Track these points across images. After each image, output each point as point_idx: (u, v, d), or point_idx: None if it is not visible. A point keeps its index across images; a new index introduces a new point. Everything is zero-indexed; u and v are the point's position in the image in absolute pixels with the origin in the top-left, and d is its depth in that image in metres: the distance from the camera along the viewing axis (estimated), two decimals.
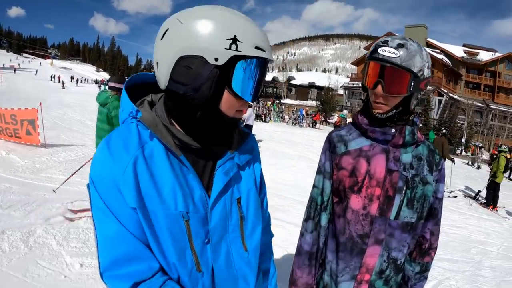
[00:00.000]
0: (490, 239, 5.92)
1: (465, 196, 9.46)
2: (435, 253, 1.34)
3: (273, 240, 1.25)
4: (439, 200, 1.29)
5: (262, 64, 0.83)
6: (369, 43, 47.00)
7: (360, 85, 1.31)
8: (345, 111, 18.20)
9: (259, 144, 13.18)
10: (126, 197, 0.77)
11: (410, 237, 1.23)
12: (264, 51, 0.81)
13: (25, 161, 6.47)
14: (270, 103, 31.48)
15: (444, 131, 10.49)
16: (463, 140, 25.21)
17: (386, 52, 1.11)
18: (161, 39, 0.81)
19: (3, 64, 52.07)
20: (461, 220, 6.89)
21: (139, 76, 0.98)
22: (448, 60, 40.67)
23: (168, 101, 0.86)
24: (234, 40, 0.77)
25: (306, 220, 1.37)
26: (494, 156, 9.22)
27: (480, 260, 4.73)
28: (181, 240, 0.82)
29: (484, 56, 43.92)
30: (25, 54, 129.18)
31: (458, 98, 38.46)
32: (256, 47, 0.79)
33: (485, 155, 21.48)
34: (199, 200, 0.85)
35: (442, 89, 38.27)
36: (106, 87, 5.24)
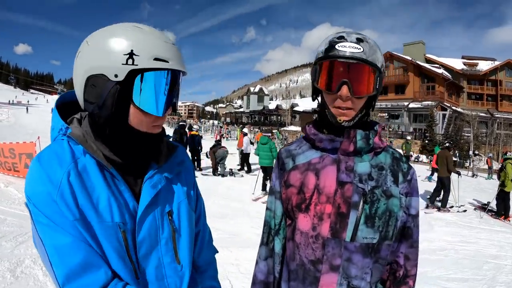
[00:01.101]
0: (504, 252, 5.63)
1: (475, 209, 9.17)
2: (414, 282, 1.12)
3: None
4: (412, 218, 1.10)
5: (166, 76, 0.82)
6: None
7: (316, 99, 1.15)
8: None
9: (257, 171, 13.21)
10: (64, 211, 0.78)
11: (373, 262, 1.03)
12: (167, 61, 0.81)
13: (23, 194, 6.41)
14: (274, 131, 31.74)
15: (447, 144, 10.28)
16: (471, 152, 24.82)
17: (348, 47, 0.97)
18: (75, 61, 0.85)
19: (12, 101, 53.67)
20: (471, 235, 6.61)
21: (71, 93, 0.97)
22: (448, 74, 40.75)
23: (88, 119, 0.89)
24: (131, 54, 0.78)
25: (260, 246, 1.24)
26: (501, 165, 8.98)
27: (493, 276, 4.46)
28: (120, 250, 0.83)
29: (484, 66, 44.00)
30: (32, 90, 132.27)
31: (461, 110, 38.29)
32: (156, 59, 0.80)
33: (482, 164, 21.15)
34: (133, 212, 0.87)
35: (445, 103, 38.18)
36: None
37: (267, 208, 1.23)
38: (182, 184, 1.02)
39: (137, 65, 0.78)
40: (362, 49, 0.96)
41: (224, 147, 11.84)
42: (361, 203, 1.00)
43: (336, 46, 0.98)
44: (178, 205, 0.98)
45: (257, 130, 36.00)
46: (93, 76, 0.80)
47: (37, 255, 3.71)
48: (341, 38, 1.00)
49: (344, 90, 0.97)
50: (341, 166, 1.03)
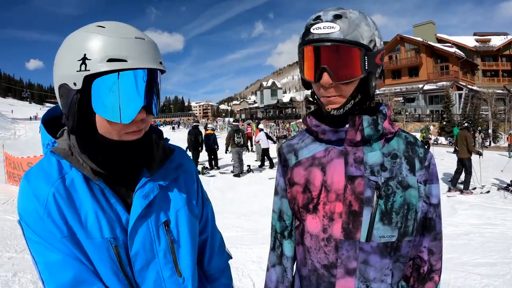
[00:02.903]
0: None
1: (498, 189, 8.89)
2: (439, 276, 1.03)
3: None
4: (434, 207, 0.99)
5: (128, 76, 0.73)
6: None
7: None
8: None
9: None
10: (51, 228, 0.77)
11: (393, 261, 0.93)
12: (125, 60, 0.73)
13: None
14: (290, 124, 31.59)
15: (466, 124, 9.94)
16: (490, 130, 24.12)
17: (322, 29, 0.85)
18: None
19: (31, 117, 55.90)
20: (496, 216, 6.38)
21: (57, 108, 0.94)
22: (461, 52, 39.62)
23: None
24: (84, 59, 0.72)
25: (269, 251, 1.16)
26: None
27: None
28: (112, 265, 0.81)
29: (497, 41, 42.51)
30: (47, 104, 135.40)
31: (477, 89, 37.13)
32: (110, 60, 0.72)
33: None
34: (126, 225, 0.84)
35: (460, 82, 37.20)
36: None
37: (272, 211, 1.14)
38: (181, 190, 0.96)
39: (89, 70, 0.72)
40: (338, 27, 0.84)
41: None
42: (375, 198, 0.90)
43: (311, 29, 0.87)
44: (176, 213, 0.93)
45: (272, 124, 35.91)
46: (61, 86, 0.77)
47: None
48: (317, 19, 0.87)
49: (325, 77, 0.87)
50: (349, 159, 0.93)
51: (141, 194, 0.85)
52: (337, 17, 0.86)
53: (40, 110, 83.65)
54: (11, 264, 3.97)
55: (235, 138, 11.69)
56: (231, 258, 1.19)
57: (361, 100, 0.95)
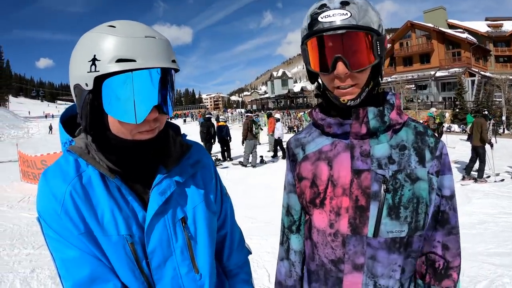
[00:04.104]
0: None
1: None
2: (458, 274, 0.99)
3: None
4: (447, 200, 0.95)
5: (137, 76, 0.73)
6: (391, 35, 45.67)
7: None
8: (432, 109, 13.97)
9: None
10: (69, 225, 0.79)
11: (403, 257, 0.91)
12: (134, 60, 0.72)
13: None
14: (301, 113, 31.35)
15: (486, 112, 9.59)
16: (504, 117, 23.55)
17: (332, 16, 0.82)
18: None
19: (52, 115, 57.40)
20: (511, 205, 6.27)
21: (74, 106, 0.94)
22: (473, 38, 38.60)
23: None
24: (93, 60, 0.73)
25: (279, 246, 1.17)
26: None
27: None
28: (129, 262, 0.82)
29: (509, 26, 41.15)
30: (59, 102, 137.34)
31: (490, 75, 36.25)
32: (119, 60, 0.72)
33: None
34: (142, 221, 0.84)
35: (473, 68, 36.33)
36: None
37: (282, 206, 1.14)
38: (198, 186, 0.97)
39: (98, 71, 0.72)
40: (349, 14, 0.81)
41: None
42: (382, 192, 0.88)
43: (319, 18, 0.84)
44: (194, 210, 0.93)
45: (283, 114, 35.72)
46: (75, 86, 0.78)
47: None
48: (323, 7, 0.84)
49: (340, 67, 0.84)
50: (355, 152, 0.91)
51: (158, 191, 0.85)
52: (344, 3, 0.83)
53: (49, 108, 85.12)
54: (29, 260, 4.05)
55: (253, 129, 11.60)
56: (251, 253, 1.18)
57: (372, 87, 0.93)
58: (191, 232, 0.91)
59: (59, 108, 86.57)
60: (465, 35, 38.05)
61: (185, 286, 0.90)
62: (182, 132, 1.01)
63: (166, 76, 0.77)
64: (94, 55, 0.73)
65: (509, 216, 5.58)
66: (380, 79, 0.93)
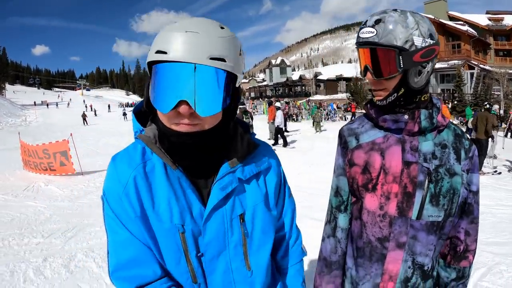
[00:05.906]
0: None
1: (509, 170, 8.87)
2: (473, 256, 1.18)
3: (312, 243, 1.17)
4: (473, 194, 1.12)
5: (165, 68, 0.75)
6: None
7: None
8: None
9: (293, 144, 13.33)
10: (127, 209, 0.84)
11: (437, 238, 1.08)
12: (166, 53, 0.74)
13: (64, 190, 6.81)
14: (300, 102, 31.24)
15: (488, 105, 9.63)
16: (501, 111, 23.66)
17: (365, 33, 1.01)
18: None
19: (35, 102, 56.35)
20: (508, 197, 6.44)
21: None
22: (473, 31, 38.49)
23: None
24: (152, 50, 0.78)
25: (325, 224, 1.29)
26: None
27: None
28: (177, 251, 0.86)
29: (510, 20, 40.90)
30: (55, 89, 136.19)
31: (490, 68, 36.18)
32: (158, 51, 0.76)
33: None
34: (198, 214, 0.87)
35: (472, 61, 36.26)
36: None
37: (331, 187, 1.26)
38: (261, 186, 0.98)
39: (148, 60, 0.79)
40: (375, 32, 0.99)
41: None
42: (426, 182, 1.04)
43: (359, 34, 1.04)
44: (253, 208, 0.94)
45: (283, 102, 35.61)
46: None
47: (88, 248, 3.95)
48: (364, 24, 1.03)
49: (368, 74, 1.04)
50: (406, 146, 1.06)
51: (220, 186, 0.87)
52: (377, 22, 1.00)
53: (44, 95, 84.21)
54: (40, 249, 3.99)
55: (244, 119, 11.72)
56: (306, 255, 1.18)
57: (405, 93, 1.04)
58: (247, 229, 0.93)
59: (62, 96, 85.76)
60: (465, 28, 37.89)
61: (235, 281, 0.92)
62: (251, 131, 1.03)
63: (202, 73, 0.73)
64: (152, 46, 0.79)
65: (506, 208, 5.75)
66: (412, 87, 1.03)
